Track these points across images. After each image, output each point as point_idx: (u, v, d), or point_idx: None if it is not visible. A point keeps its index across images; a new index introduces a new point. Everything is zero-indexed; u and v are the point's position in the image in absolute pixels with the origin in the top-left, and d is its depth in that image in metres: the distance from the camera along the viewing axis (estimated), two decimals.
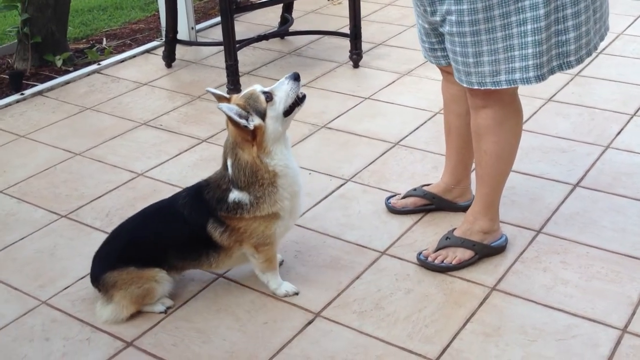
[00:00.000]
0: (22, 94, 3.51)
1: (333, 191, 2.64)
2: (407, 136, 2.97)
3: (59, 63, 3.82)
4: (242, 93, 2.01)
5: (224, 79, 3.42)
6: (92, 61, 3.90)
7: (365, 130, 3.04)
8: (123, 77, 3.68)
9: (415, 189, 2.49)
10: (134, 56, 3.92)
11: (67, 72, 3.78)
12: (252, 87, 2.02)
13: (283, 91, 1.99)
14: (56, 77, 3.71)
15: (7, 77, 3.75)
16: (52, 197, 2.69)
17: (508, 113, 2.09)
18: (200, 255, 2.08)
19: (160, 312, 2.08)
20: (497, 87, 1.98)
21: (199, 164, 2.86)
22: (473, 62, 1.96)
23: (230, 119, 1.92)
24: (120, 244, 2.10)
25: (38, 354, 1.97)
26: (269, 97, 1.98)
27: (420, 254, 2.24)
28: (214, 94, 2.04)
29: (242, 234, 2.03)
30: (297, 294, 2.12)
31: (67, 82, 3.64)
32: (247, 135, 1.95)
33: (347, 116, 3.17)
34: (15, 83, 3.64)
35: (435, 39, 2.14)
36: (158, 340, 1.98)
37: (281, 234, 2.09)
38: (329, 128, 3.08)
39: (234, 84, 3.32)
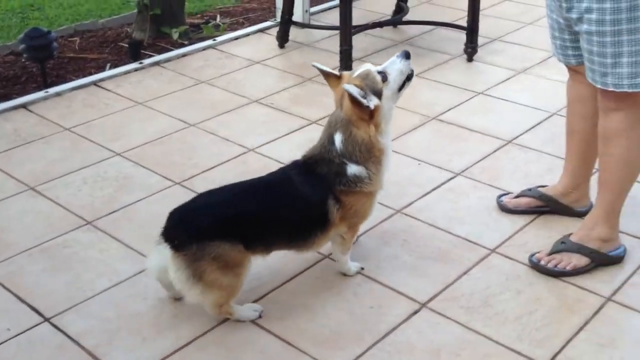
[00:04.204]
0: (141, 62, 3.63)
1: (442, 184, 2.60)
2: (521, 135, 2.89)
3: (175, 36, 3.93)
4: (357, 72, 2.01)
5: (335, 62, 3.43)
6: (206, 36, 3.99)
7: (477, 125, 2.98)
8: (237, 54, 3.76)
9: (530, 189, 2.43)
10: (247, 34, 3.99)
11: (182, 45, 3.88)
12: (364, 66, 2.03)
13: (396, 70, 2.02)
14: (172, 49, 3.82)
15: (126, 45, 3.89)
16: (167, 164, 2.78)
17: None
18: (309, 235, 2.00)
19: (254, 319, 1.96)
20: (635, 90, 1.90)
21: (308, 145, 2.84)
22: (611, 63, 1.89)
23: (354, 99, 1.92)
24: (236, 212, 1.92)
25: (151, 311, 2.04)
26: (384, 77, 2.00)
27: (532, 255, 2.18)
28: (321, 70, 2.04)
29: (348, 211, 2.02)
30: (362, 268, 2.17)
31: (184, 55, 3.74)
32: (364, 115, 1.96)
33: (459, 110, 3.12)
34: (134, 52, 3.78)
35: (568, 36, 2.07)
36: (265, 312, 2.01)
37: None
38: (440, 120, 3.04)
39: (346, 69, 3.32)
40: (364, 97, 1.93)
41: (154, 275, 2.02)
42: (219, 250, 1.84)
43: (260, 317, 1.99)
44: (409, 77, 2.05)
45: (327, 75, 2.05)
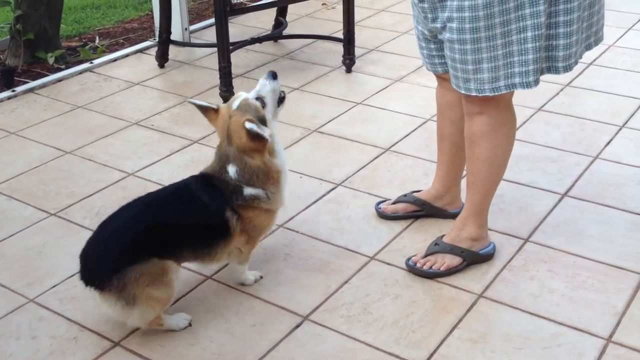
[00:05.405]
0: (14, 90, 3.50)
1: (323, 195, 2.64)
2: (398, 142, 2.98)
3: (51, 60, 3.81)
4: (235, 104, 2.00)
5: (216, 80, 3.42)
6: (84, 59, 3.89)
7: (356, 135, 3.05)
8: (115, 76, 3.68)
9: (405, 195, 2.51)
10: (126, 55, 3.92)
11: (59, 69, 3.77)
12: (239, 96, 2.03)
13: (270, 92, 2.05)
14: (48, 75, 3.70)
15: None
16: (42, 194, 2.68)
17: (503, 120, 2.11)
18: (212, 245, 2.01)
19: (185, 328, 1.99)
20: (496, 93, 1.99)
21: (190, 165, 2.86)
22: (472, 69, 1.97)
23: (257, 135, 1.93)
24: (140, 229, 1.90)
25: (25, 352, 1.96)
26: (262, 102, 2.02)
27: (409, 259, 2.25)
28: (197, 105, 2.04)
29: (248, 225, 2.04)
30: (261, 277, 2.20)
31: (59, 80, 3.63)
32: (260, 146, 1.97)
33: (339, 121, 3.18)
34: (7, 79, 3.63)
35: (434, 46, 2.15)
36: (145, 340, 1.98)
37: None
38: (321, 132, 3.09)
39: (226, 86, 3.32)
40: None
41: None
42: (139, 271, 1.85)
43: (190, 325, 2.01)
44: (281, 99, 2.08)
45: (204, 109, 2.05)
